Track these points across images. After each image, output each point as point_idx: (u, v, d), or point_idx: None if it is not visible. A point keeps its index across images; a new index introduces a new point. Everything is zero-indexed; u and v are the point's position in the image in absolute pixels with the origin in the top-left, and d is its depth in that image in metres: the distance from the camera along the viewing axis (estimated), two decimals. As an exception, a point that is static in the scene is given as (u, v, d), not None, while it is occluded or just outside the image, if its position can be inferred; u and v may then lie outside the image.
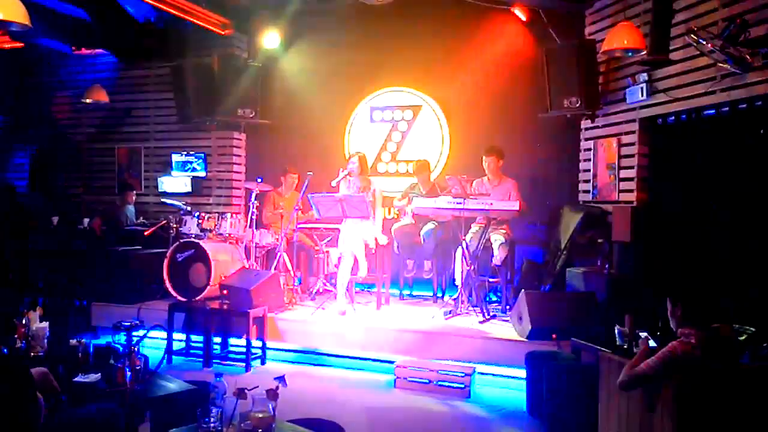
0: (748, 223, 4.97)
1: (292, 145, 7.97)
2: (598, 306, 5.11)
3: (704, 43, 4.61)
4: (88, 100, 8.38)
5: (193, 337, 5.88)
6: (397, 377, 5.17)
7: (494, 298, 6.74)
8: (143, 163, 8.74)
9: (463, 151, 7.42)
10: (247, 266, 6.50)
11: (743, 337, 3.49)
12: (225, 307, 5.75)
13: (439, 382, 5.04)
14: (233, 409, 2.64)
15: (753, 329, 3.60)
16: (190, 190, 8.30)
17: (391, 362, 5.34)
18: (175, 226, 6.92)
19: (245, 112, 7.73)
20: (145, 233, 7.24)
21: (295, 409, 3.36)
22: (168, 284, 6.32)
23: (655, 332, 3.55)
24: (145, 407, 3.05)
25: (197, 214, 6.67)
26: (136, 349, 3.29)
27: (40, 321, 3.80)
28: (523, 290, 5.40)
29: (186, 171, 8.36)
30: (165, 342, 5.64)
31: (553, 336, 4.86)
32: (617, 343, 3.74)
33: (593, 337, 4.10)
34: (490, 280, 6.51)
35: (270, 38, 7.84)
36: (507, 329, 5.47)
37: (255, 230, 6.72)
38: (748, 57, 4.44)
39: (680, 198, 5.62)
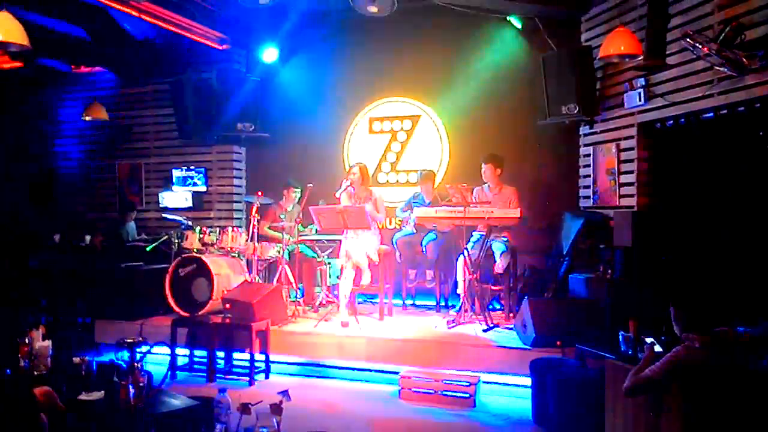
0: (749, 225, 4.97)
1: (292, 158, 7.99)
2: (601, 312, 5.09)
3: (700, 47, 4.62)
4: (87, 118, 8.42)
5: (197, 352, 5.86)
6: (402, 388, 5.15)
7: (497, 306, 6.72)
8: (144, 179, 8.76)
9: (463, 160, 7.43)
10: (249, 279, 6.49)
11: (747, 341, 3.47)
12: (228, 321, 5.74)
13: (444, 392, 5.01)
14: (237, 425, 2.64)
15: (758, 332, 3.58)
16: (191, 204, 8.32)
17: (396, 373, 5.32)
18: (176, 241, 6.92)
19: (245, 126, 7.75)
20: (147, 249, 7.24)
21: (300, 422, 3.36)
22: (170, 299, 6.31)
23: (660, 337, 3.53)
24: (149, 424, 3.03)
25: (198, 228, 6.67)
26: (139, 365, 3.28)
27: (43, 339, 3.80)
28: (526, 297, 5.40)
29: (187, 186, 8.37)
30: (168, 358, 5.63)
31: (558, 343, 4.84)
32: (622, 348, 3.73)
33: (598, 344, 4.08)
34: (493, 288, 6.49)
35: (268, 52, 7.88)
36: (511, 337, 5.45)
37: (257, 243, 6.72)
38: (744, 60, 4.45)
39: (681, 202, 5.61)
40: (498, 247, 6.23)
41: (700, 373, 2.92)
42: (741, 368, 3.07)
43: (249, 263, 6.76)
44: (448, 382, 5.05)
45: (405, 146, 7.86)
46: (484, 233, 6.14)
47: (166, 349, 5.58)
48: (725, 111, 4.99)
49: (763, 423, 2.90)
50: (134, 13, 6.58)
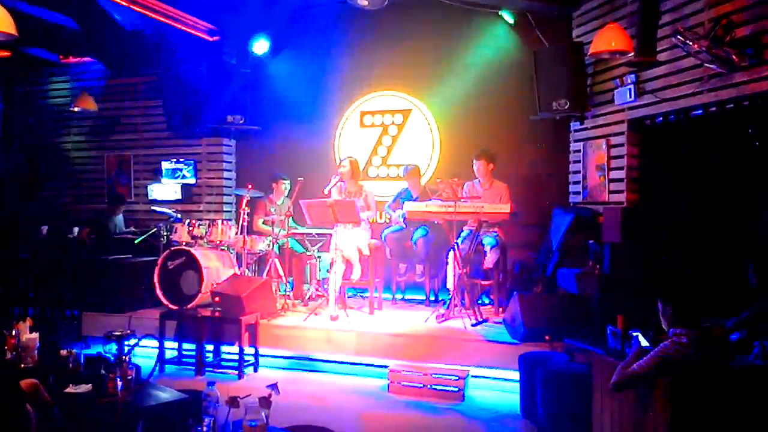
0: (736, 221, 5.01)
1: (282, 151, 7.96)
2: (590, 307, 5.12)
3: (690, 43, 4.64)
4: (76, 108, 8.36)
5: (185, 345, 5.84)
6: (391, 382, 5.16)
7: (486, 301, 6.75)
8: (132, 171, 8.70)
9: (454, 155, 7.43)
10: (238, 273, 6.47)
11: (734, 336, 3.50)
12: (217, 314, 5.72)
13: (433, 386, 5.03)
14: (226, 418, 2.63)
15: (744, 326, 3.62)
16: (180, 197, 8.27)
17: (385, 367, 5.33)
18: (165, 233, 6.89)
19: (235, 118, 7.72)
20: (135, 241, 7.20)
21: (289, 416, 3.35)
22: (159, 292, 6.29)
23: (647, 332, 3.56)
24: (137, 417, 3.02)
25: (188, 221, 6.64)
26: (127, 358, 3.27)
27: (30, 332, 3.77)
28: (515, 292, 5.41)
29: (176, 178, 8.33)
30: (157, 351, 5.60)
31: (546, 338, 4.87)
32: (610, 343, 3.75)
33: (586, 338, 4.11)
34: (482, 282, 6.51)
35: (259, 44, 7.83)
36: (500, 332, 5.47)
37: (246, 236, 6.70)
38: (734, 57, 4.47)
39: (670, 198, 5.65)
40: (488, 242, 6.25)
41: (687, 369, 2.94)
42: (727, 364, 3.11)
43: (239, 256, 6.74)
44: (437, 376, 5.06)
45: (396, 140, 7.85)
46: (474, 228, 6.16)
47: (155, 342, 5.54)
48: (714, 108, 5.02)
49: (749, 418, 2.93)
50: (123, 3, 6.52)
